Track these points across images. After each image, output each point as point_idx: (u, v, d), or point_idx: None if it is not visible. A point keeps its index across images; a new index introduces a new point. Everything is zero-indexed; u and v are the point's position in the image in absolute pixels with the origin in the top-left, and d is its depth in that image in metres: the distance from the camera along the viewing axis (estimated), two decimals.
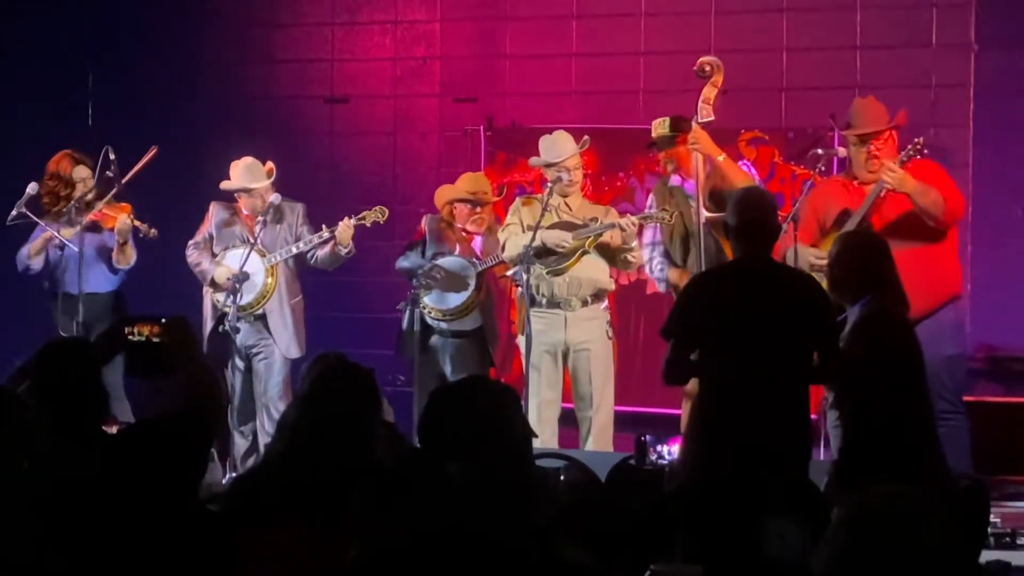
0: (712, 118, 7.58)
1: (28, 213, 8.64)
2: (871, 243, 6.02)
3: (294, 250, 8.47)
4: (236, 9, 10.86)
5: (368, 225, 8.52)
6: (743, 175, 7.53)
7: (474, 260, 8.44)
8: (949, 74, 9.24)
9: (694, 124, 7.55)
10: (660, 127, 7.83)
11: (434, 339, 8.44)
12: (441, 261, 8.44)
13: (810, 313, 5.58)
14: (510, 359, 9.11)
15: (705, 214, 7.48)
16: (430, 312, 8.39)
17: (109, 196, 8.63)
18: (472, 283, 8.42)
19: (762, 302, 5.55)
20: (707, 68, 7.62)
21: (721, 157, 7.50)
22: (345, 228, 8.39)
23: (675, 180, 7.87)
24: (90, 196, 8.68)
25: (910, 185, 7.05)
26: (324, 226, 8.49)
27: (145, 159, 8.65)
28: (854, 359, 5.61)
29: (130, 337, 4.45)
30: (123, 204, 8.69)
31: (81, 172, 8.73)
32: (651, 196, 8.18)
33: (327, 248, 8.53)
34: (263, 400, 8.54)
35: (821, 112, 9.06)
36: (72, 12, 10.90)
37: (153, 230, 8.59)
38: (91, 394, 4.32)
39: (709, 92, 7.59)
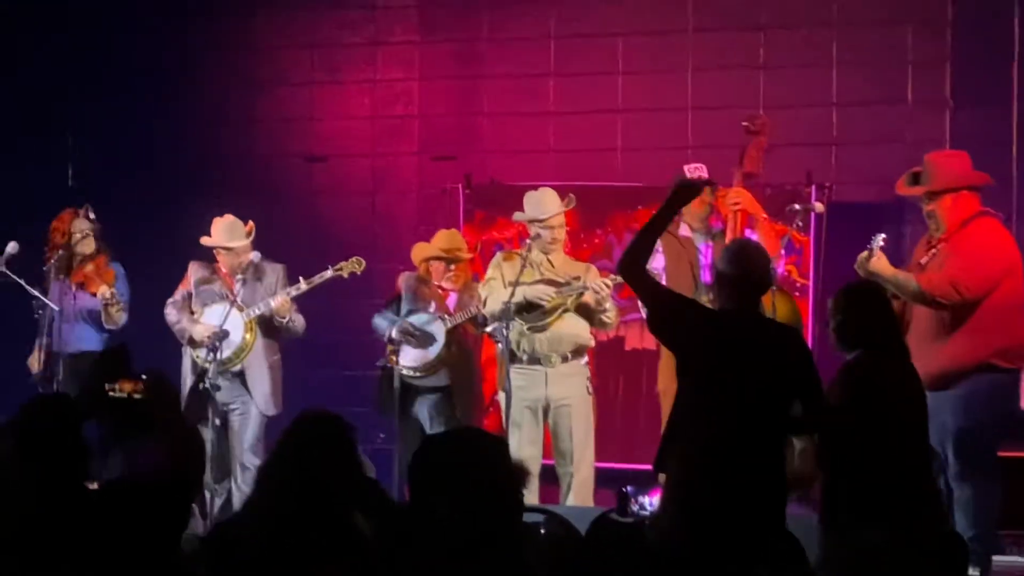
0: (754, 171, 7.67)
1: (7, 272, 8.63)
2: (864, 296, 6.01)
3: (272, 304, 8.46)
4: (216, 68, 10.90)
5: (345, 276, 8.55)
6: (775, 242, 7.57)
7: (444, 316, 8.47)
8: (924, 130, 9.32)
9: (736, 182, 7.62)
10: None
11: (411, 395, 8.45)
12: (412, 319, 8.47)
13: (791, 365, 5.59)
14: (481, 414, 9.05)
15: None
16: (403, 369, 8.40)
17: (98, 258, 8.76)
18: (441, 339, 8.45)
19: (743, 353, 5.56)
20: (749, 125, 7.70)
21: (763, 216, 7.55)
22: (282, 302, 8.43)
23: (683, 231, 7.89)
24: (88, 251, 8.83)
25: (886, 272, 6.99)
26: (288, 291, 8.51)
27: None
28: (830, 407, 5.65)
29: (111, 394, 4.43)
30: (111, 269, 8.78)
31: (80, 225, 8.84)
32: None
33: None
34: (238, 456, 8.52)
35: (798, 168, 9.13)
36: (52, 71, 10.93)
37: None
38: (73, 451, 4.31)
39: (752, 150, 7.67)
